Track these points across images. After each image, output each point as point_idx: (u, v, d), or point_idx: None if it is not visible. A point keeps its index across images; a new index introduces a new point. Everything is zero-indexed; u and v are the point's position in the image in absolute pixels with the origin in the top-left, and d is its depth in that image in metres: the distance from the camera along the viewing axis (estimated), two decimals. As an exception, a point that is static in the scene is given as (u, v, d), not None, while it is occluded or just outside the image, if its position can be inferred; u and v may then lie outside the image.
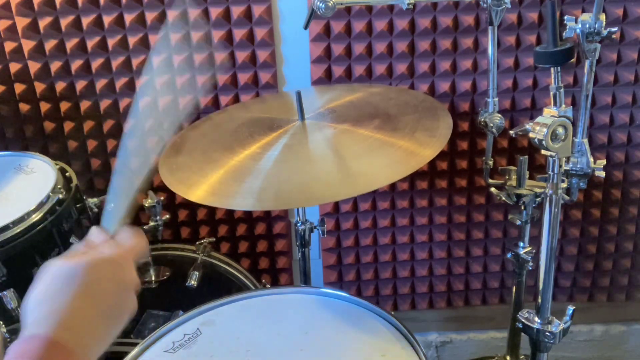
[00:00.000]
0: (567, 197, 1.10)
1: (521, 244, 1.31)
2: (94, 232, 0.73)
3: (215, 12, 1.40)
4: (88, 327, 0.61)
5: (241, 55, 1.45)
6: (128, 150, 0.87)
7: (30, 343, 0.57)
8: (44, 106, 1.50)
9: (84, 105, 1.50)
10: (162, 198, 1.40)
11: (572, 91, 1.47)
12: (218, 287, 1.42)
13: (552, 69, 0.89)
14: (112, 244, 0.72)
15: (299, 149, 1.09)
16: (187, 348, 0.98)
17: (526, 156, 1.21)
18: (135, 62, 1.45)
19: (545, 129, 0.87)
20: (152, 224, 1.39)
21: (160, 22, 1.41)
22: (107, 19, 1.41)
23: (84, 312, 0.61)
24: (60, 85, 1.47)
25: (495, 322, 1.80)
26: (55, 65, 1.45)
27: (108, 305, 0.65)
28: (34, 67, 1.45)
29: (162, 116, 1.38)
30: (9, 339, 1.06)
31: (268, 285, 1.58)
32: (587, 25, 0.94)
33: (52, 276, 0.64)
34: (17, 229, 1.08)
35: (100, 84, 1.48)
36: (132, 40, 1.43)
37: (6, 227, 1.07)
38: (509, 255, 1.33)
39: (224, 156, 1.08)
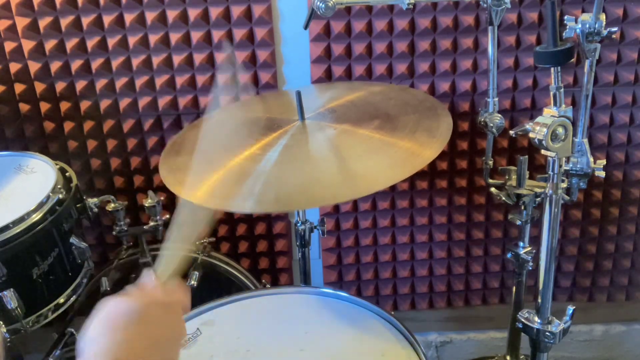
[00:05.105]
0: (567, 197, 1.10)
1: (521, 244, 1.31)
2: (146, 276, 0.76)
3: (215, 12, 1.40)
4: None
5: (241, 55, 1.45)
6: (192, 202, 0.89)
7: None
8: (44, 106, 1.50)
9: (84, 105, 1.50)
10: (162, 198, 1.41)
11: (572, 91, 1.47)
12: (218, 287, 1.42)
13: (552, 69, 0.89)
14: (164, 289, 0.75)
15: (299, 149, 1.08)
16: (187, 348, 0.98)
17: (526, 156, 1.21)
18: (135, 62, 1.45)
19: (545, 129, 0.87)
20: (152, 224, 1.39)
21: (161, 22, 1.41)
22: (107, 19, 1.41)
23: (141, 348, 0.65)
24: (60, 85, 1.47)
25: (495, 322, 1.80)
26: (55, 65, 1.45)
27: (161, 342, 0.68)
28: (34, 67, 1.45)
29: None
30: (8, 339, 1.06)
31: (268, 285, 1.58)
32: (587, 25, 0.94)
33: (111, 312, 0.67)
34: (17, 229, 1.08)
35: (100, 84, 1.48)
36: (132, 40, 1.43)
37: (6, 227, 1.07)
38: (509, 255, 1.33)
39: (224, 157, 1.08)
